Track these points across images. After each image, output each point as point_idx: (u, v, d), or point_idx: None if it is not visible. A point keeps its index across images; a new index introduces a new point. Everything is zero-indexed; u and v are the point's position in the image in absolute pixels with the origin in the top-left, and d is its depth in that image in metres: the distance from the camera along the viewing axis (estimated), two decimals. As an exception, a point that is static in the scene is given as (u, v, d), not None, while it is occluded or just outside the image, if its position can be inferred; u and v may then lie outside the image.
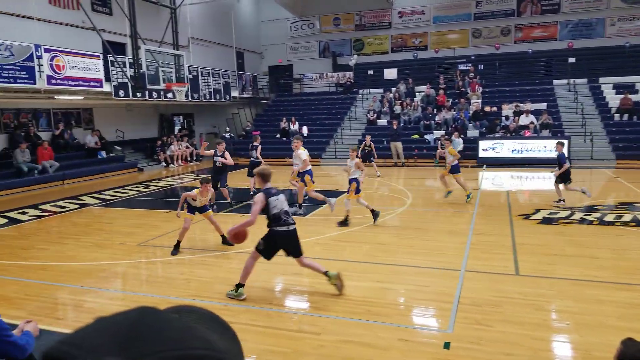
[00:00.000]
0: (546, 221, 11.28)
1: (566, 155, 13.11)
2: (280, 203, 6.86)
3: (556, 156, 12.86)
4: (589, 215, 11.72)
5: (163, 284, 7.76)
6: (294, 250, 7.02)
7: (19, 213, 13.72)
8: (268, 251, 6.95)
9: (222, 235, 9.71)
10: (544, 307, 6.45)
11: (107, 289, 7.66)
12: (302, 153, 12.61)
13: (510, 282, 7.31)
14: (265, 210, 6.82)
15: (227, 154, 13.48)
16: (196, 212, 9.51)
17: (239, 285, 7.00)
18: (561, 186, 12.77)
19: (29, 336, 3.74)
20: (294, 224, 6.98)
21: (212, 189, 10.45)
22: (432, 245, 9.47)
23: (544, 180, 18.27)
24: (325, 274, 7.00)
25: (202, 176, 19.83)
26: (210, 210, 9.88)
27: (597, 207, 12.56)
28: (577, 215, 11.68)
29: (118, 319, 0.70)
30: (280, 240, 6.90)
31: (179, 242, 9.41)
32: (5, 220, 12.81)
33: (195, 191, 9.40)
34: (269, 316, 6.40)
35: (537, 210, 12.30)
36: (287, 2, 33.11)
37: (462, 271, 7.79)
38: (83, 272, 8.37)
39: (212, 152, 13.60)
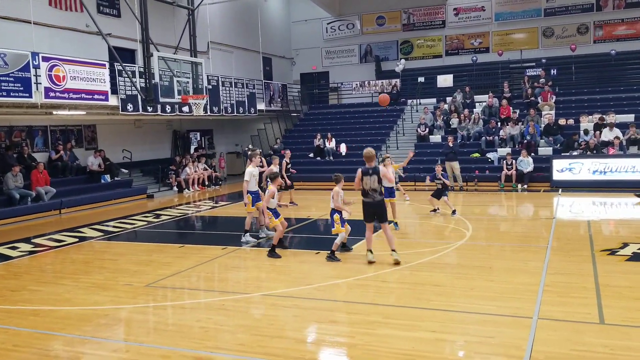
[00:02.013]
0: (637, 257, 10.92)
1: (446, 176, 16.94)
2: (370, 182, 10.71)
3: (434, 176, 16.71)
4: (692, 250, 11.34)
5: (175, 333, 7.72)
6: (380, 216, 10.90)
7: (8, 248, 13.93)
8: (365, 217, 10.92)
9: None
10: (637, 365, 6.20)
11: (109, 338, 7.66)
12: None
13: (594, 333, 7.07)
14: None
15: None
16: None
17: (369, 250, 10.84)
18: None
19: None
20: (379, 198, 10.84)
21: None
22: (498, 287, 9.24)
23: (634, 207, 17.80)
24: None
25: (222, 203, 20.03)
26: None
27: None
28: (677, 251, 11.31)
29: None
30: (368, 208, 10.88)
31: (274, 246, 11.83)
32: (-6, 256, 13.07)
33: (277, 196, 12.28)
34: (299, 373, 6.30)
35: (626, 245, 11.93)
36: (322, -1, 33.46)
37: (535, 319, 7.57)
38: (81, 318, 8.40)
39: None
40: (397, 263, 10.57)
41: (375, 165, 11.07)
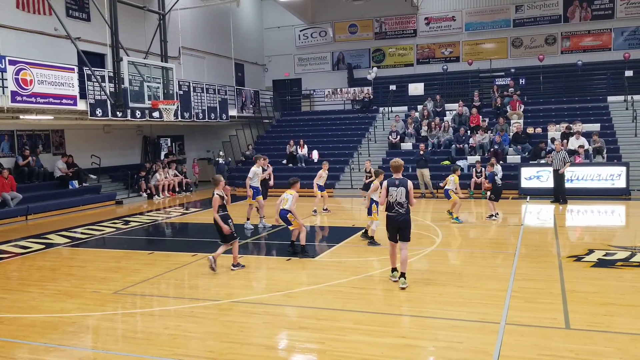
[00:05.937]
0: (602, 264, 11.10)
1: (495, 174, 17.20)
2: (396, 194, 9.72)
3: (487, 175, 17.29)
4: (655, 257, 11.53)
5: (144, 340, 7.64)
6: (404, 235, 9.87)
7: (-26, 254, 13.71)
8: (388, 233, 10.00)
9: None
10: (602, 370, 6.28)
11: (76, 346, 7.56)
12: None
13: (560, 338, 7.15)
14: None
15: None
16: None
17: (394, 269, 10.15)
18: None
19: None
20: (405, 214, 9.74)
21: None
22: (467, 292, 9.32)
23: (600, 214, 18.07)
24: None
25: (192, 209, 19.98)
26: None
27: (665, 247, 12.38)
28: (639, 257, 11.51)
29: None
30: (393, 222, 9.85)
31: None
32: (-41, 263, 12.81)
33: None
34: (268, 380, 6.27)
35: (591, 251, 12.11)
36: (295, 6, 33.52)
37: (503, 324, 7.64)
38: (47, 326, 8.28)
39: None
40: (402, 289, 9.57)
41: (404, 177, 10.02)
